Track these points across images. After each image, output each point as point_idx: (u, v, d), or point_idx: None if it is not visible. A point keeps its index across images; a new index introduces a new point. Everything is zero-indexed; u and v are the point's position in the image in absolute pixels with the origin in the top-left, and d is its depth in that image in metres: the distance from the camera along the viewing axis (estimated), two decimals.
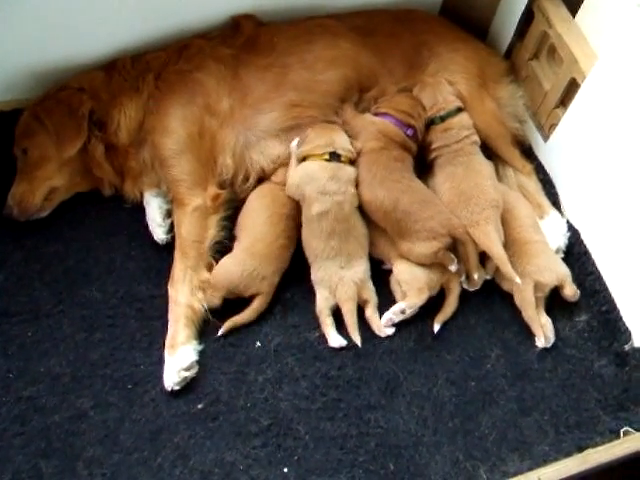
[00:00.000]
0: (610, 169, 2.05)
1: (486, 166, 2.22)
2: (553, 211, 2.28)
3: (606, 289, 2.09)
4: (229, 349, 2.02)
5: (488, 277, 2.13)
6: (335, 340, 2.01)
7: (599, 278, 2.11)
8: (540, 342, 2.02)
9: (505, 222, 2.13)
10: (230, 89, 2.22)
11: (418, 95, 2.33)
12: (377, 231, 2.16)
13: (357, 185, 2.15)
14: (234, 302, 2.07)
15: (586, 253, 2.18)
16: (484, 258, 2.10)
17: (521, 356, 2.03)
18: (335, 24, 2.36)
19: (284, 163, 2.23)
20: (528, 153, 2.45)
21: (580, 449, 1.80)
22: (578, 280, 2.12)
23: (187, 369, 1.93)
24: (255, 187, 2.25)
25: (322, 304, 2.05)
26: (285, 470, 1.80)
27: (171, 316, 2.03)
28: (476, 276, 2.07)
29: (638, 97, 1.90)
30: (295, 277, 2.15)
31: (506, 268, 2.01)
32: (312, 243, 2.09)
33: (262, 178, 2.27)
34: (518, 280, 2.01)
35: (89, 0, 2.12)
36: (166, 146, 2.17)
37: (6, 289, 2.13)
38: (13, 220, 2.21)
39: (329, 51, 2.29)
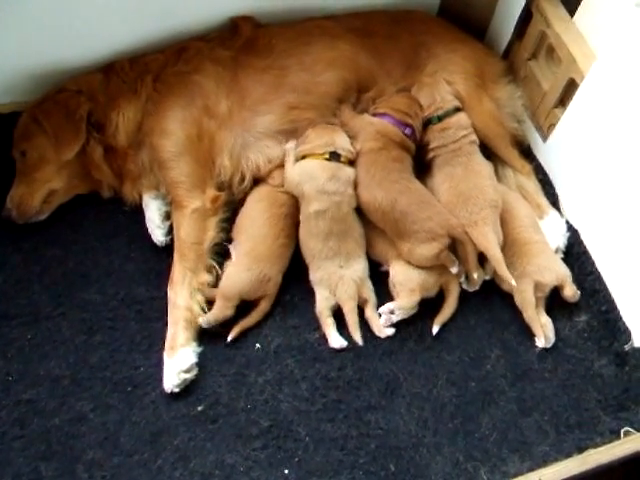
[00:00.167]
0: (609, 169, 2.05)
1: (485, 166, 2.22)
2: (552, 211, 2.28)
3: (606, 289, 2.09)
4: (229, 351, 2.01)
5: (487, 277, 2.13)
6: (336, 341, 2.01)
7: (599, 278, 2.11)
8: (540, 342, 2.02)
9: (505, 222, 2.13)
10: (228, 91, 2.22)
11: (416, 95, 2.33)
12: (375, 232, 2.16)
13: (356, 186, 2.16)
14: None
15: (585, 253, 2.17)
16: (483, 258, 2.10)
17: (521, 356, 2.02)
18: (333, 25, 2.36)
19: (280, 164, 2.23)
20: (527, 153, 2.45)
21: (580, 449, 1.80)
22: (578, 280, 2.12)
23: (187, 371, 1.93)
24: (251, 188, 2.25)
25: (322, 304, 2.05)
26: (285, 472, 1.80)
27: (170, 318, 2.03)
28: (475, 276, 2.07)
29: (636, 97, 1.90)
30: (295, 278, 2.14)
31: (502, 269, 2.01)
32: (310, 243, 2.09)
33: (258, 180, 2.26)
34: (513, 282, 2.01)
35: (87, 2, 2.12)
36: (165, 148, 2.17)
37: (5, 292, 2.13)
38: (12, 223, 2.21)
39: (327, 53, 2.29)
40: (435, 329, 2.04)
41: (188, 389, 1.93)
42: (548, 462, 1.78)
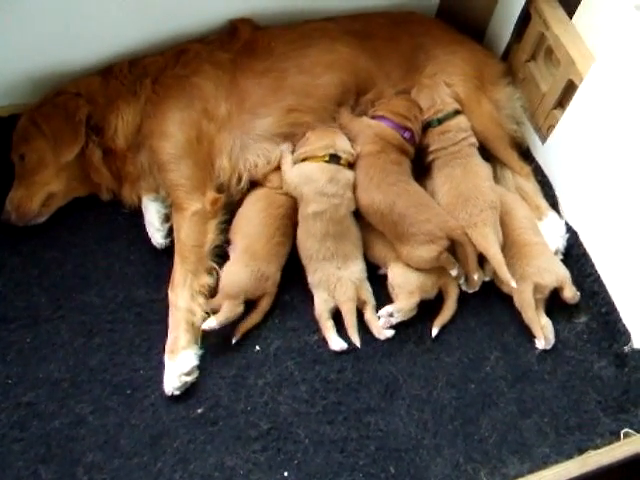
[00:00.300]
0: (608, 170, 2.05)
1: (484, 168, 2.22)
2: (552, 213, 2.28)
3: (605, 290, 2.09)
4: (228, 353, 2.01)
5: (487, 279, 2.12)
6: (336, 343, 2.01)
7: (598, 279, 2.11)
8: (540, 344, 2.02)
9: (504, 224, 2.13)
10: (228, 93, 2.23)
11: (416, 97, 2.33)
12: (373, 235, 2.16)
13: (355, 189, 2.16)
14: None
15: (585, 254, 2.17)
16: (483, 260, 2.10)
17: (521, 358, 2.02)
18: (332, 28, 2.37)
19: (277, 167, 2.24)
20: (526, 155, 2.45)
21: (580, 451, 1.79)
22: (577, 282, 2.12)
23: (188, 374, 1.93)
24: (249, 189, 2.25)
25: (321, 307, 2.04)
26: (285, 474, 1.80)
27: (171, 321, 2.02)
28: (475, 277, 2.07)
29: (635, 98, 1.90)
30: (293, 280, 2.14)
31: (502, 271, 2.01)
32: (307, 243, 2.09)
33: (254, 182, 2.26)
34: (514, 284, 2.01)
35: (86, 5, 2.12)
36: (164, 150, 2.17)
37: (4, 295, 2.13)
38: (11, 225, 2.21)
39: (326, 55, 2.29)
40: (434, 331, 2.04)
41: (188, 391, 1.93)
42: (548, 464, 1.78)
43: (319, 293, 2.06)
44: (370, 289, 2.09)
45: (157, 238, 2.22)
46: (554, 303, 2.10)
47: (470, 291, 2.12)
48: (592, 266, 2.14)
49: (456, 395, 1.95)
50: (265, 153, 2.24)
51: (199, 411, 1.90)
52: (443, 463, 1.81)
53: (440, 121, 2.27)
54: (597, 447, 1.79)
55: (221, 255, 2.16)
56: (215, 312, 2.02)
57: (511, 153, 2.38)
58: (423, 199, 2.12)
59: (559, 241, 2.20)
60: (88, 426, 1.87)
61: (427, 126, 2.29)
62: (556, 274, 2.06)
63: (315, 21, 2.41)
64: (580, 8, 2.19)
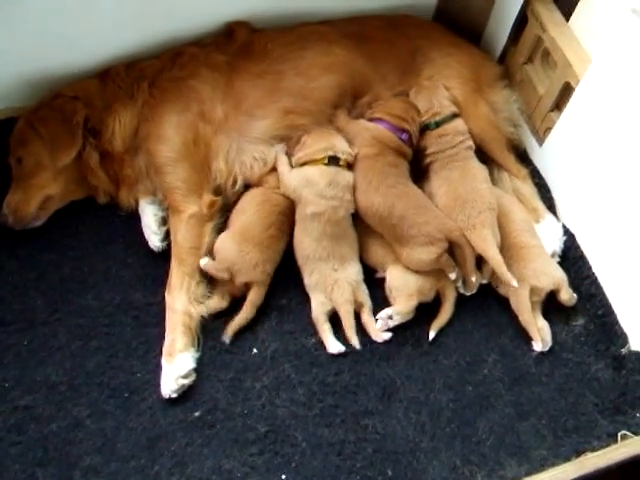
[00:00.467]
0: (605, 172, 2.05)
1: (481, 170, 2.22)
2: (549, 215, 2.28)
3: (602, 293, 2.09)
4: (225, 356, 2.01)
5: (484, 281, 2.13)
6: (334, 346, 2.00)
7: (595, 282, 2.11)
8: (537, 346, 2.02)
9: (501, 226, 2.12)
10: (224, 96, 2.22)
11: (414, 99, 2.33)
12: (371, 238, 2.16)
13: (353, 191, 2.15)
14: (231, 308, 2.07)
15: (582, 257, 2.18)
16: (480, 262, 2.10)
17: (518, 360, 2.02)
18: (329, 30, 2.37)
19: (272, 169, 2.24)
20: (523, 157, 2.45)
21: (578, 453, 1.79)
22: (574, 284, 2.12)
23: (185, 377, 1.92)
24: (243, 191, 2.25)
25: (318, 309, 2.04)
26: (283, 477, 1.79)
27: (168, 324, 2.02)
28: (473, 279, 2.07)
29: (632, 100, 1.90)
30: (291, 283, 2.14)
31: (502, 271, 2.01)
32: (304, 242, 2.08)
33: (249, 185, 2.26)
34: (515, 284, 2.01)
35: (83, 8, 2.12)
36: (161, 153, 2.17)
37: (1, 298, 2.12)
38: (8, 229, 2.21)
39: (323, 58, 2.29)
40: (432, 335, 2.04)
41: (185, 395, 1.93)
42: (545, 466, 1.78)
43: (316, 295, 2.06)
44: (367, 291, 2.09)
45: (154, 241, 2.22)
46: (551, 305, 2.10)
47: (467, 294, 2.12)
48: (589, 268, 2.15)
49: (453, 397, 1.95)
50: (261, 155, 2.24)
51: (196, 414, 1.90)
52: (440, 466, 1.81)
53: (438, 124, 2.26)
54: (594, 449, 1.79)
55: None
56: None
57: (508, 156, 2.38)
58: (422, 201, 2.12)
59: (556, 243, 2.20)
60: (85, 429, 1.87)
61: (425, 129, 2.29)
62: (553, 277, 2.06)
63: (312, 24, 2.41)
64: (577, 11, 2.20)
